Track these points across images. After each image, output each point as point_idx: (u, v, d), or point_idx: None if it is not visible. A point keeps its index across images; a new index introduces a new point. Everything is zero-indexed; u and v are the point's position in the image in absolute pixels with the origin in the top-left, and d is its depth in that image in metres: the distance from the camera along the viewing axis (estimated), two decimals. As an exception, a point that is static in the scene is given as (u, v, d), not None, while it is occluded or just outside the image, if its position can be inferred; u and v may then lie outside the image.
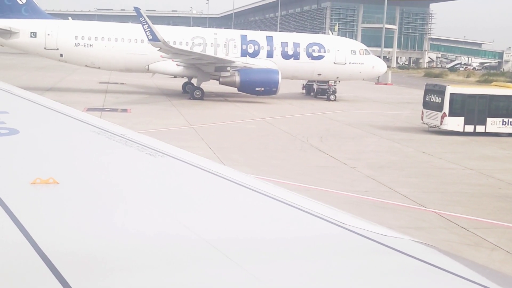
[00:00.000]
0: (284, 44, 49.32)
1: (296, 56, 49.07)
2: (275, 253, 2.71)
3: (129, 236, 2.83)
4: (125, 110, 37.71)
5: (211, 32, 53.36)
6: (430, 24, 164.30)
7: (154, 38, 40.63)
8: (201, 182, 4.05)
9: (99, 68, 49.34)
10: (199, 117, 36.60)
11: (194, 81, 49.10)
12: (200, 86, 46.85)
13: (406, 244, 2.92)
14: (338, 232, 3.05)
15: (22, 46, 48.06)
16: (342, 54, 49.47)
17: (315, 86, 53.98)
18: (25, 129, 5.31)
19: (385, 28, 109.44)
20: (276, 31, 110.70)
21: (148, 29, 40.26)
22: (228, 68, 45.63)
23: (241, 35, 50.34)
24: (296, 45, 49.38)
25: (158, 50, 43.16)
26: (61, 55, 47.36)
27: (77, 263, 2.46)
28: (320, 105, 48.00)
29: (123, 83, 57.49)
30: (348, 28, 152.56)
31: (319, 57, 49.24)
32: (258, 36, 50.93)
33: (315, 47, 49.41)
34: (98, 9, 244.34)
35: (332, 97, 50.86)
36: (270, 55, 48.89)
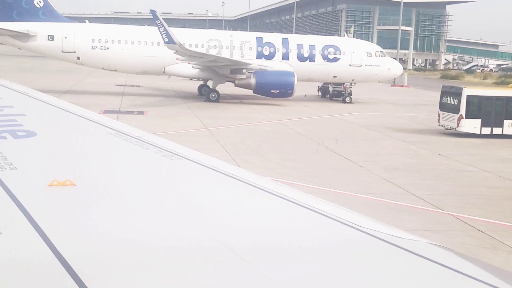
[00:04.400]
0: (300, 46, 49.30)
1: (311, 58, 49.04)
2: (291, 255, 2.70)
3: (145, 238, 2.82)
4: (141, 113, 37.87)
5: (226, 34, 53.50)
6: (446, 26, 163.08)
7: (170, 41, 40.78)
8: (217, 185, 4.03)
9: (115, 70, 49.61)
10: (214, 119, 36.69)
11: (209, 83, 49.24)
12: (216, 89, 46.96)
13: (423, 247, 2.90)
14: (353, 235, 3.03)
15: (40, 49, 48.40)
16: (357, 56, 49.38)
17: (330, 89, 53.91)
18: (42, 131, 5.32)
19: (401, 30, 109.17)
20: (291, 33, 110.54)
21: (164, 31, 40.42)
22: (244, 71, 45.68)
23: (256, 37, 50.38)
24: (312, 47, 49.34)
25: (174, 52, 43.30)
26: (78, 58, 47.66)
27: (93, 264, 2.46)
28: (335, 107, 47.93)
29: (139, 86, 57.74)
30: (364, 30, 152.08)
31: (335, 59, 49.17)
32: (274, 38, 50.95)
33: (331, 49, 49.35)
34: (114, 12, 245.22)
35: (347, 99, 50.77)
36: (285, 57, 48.89)
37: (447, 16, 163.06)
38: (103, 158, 4.65)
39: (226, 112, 40.99)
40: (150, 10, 42.22)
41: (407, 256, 2.74)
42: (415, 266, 2.66)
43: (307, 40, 51.41)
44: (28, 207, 3.17)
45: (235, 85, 46.61)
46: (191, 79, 51.95)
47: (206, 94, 47.38)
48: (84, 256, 2.55)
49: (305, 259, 2.67)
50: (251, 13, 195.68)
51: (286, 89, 45.29)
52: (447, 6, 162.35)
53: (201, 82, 51.63)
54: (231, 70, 45.73)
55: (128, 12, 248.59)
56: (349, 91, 51.23)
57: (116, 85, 57.29)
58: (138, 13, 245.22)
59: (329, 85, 53.80)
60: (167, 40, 40.85)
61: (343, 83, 51.32)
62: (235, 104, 46.28)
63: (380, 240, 2.92)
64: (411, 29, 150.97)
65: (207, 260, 2.58)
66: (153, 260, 2.54)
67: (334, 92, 53.47)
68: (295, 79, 45.18)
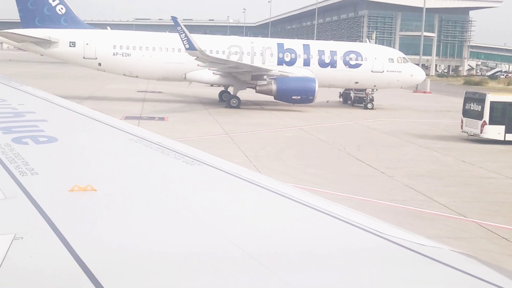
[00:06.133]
0: (321, 52, 49.17)
1: (333, 64, 48.88)
2: (313, 263, 2.68)
3: (165, 243, 2.84)
4: (162, 119, 37.98)
5: (247, 40, 53.46)
6: (469, 32, 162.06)
7: (191, 47, 40.90)
8: (238, 191, 4.04)
9: (136, 77, 49.87)
10: (235, 125, 36.69)
11: (230, 89, 49.31)
12: (237, 95, 46.98)
13: (445, 254, 2.88)
14: (375, 242, 3.02)
15: (61, 55, 48.81)
16: (379, 62, 49.12)
17: (352, 95, 53.70)
18: (64, 137, 5.36)
19: (424, 35, 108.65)
20: (313, 39, 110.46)
21: (185, 38, 40.53)
22: (265, 77, 45.66)
23: (277, 43, 50.34)
24: (333, 53, 49.19)
25: (195, 59, 43.37)
26: (100, 64, 47.98)
27: (114, 270, 2.48)
28: (357, 113, 47.69)
29: (160, 92, 57.99)
30: (386, 36, 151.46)
31: (356, 65, 48.97)
32: (295, 44, 50.86)
33: (352, 55, 49.15)
34: (136, 19, 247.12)
35: (369, 105, 50.53)
36: (306, 63, 48.79)
37: (470, 22, 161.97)
38: (123, 164, 4.67)
39: (247, 118, 40.98)
40: (172, 16, 42.34)
41: (429, 263, 2.72)
42: (438, 274, 2.62)
43: (328, 46, 51.23)
44: (49, 212, 3.19)
45: (256, 91, 46.58)
46: (211, 85, 51.96)
47: (226, 100, 47.43)
48: (105, 261, 2.56)
49: (327, 267, 2.65)
50: (272, 20, 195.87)
51: (307, 95, 45.18)
52: (470, 12, 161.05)
53: (222, 88, 51.69)
54: (252, 76, 45.74)
55: (149, 19, 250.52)
56: (371, 97, 50.98)
57: (138, 91, 57.63)
58: (159, 19, 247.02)
59: (351, 91, 53.57)
60: (188, 47, 40.98)
61: (365, 89, 51.05)
62: (256, 110, 46.24)
63: (402, 247, 2.90)
64: (433, 35, 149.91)
65: (227, 267, 2.58)
66: (173, 266, 2.55)
67: (355, 98, 53.26)
68: (316, 85, 45.05)
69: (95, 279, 2.34)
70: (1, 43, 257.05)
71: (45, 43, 47.37)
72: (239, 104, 46.46)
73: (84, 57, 47.62)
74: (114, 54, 47.50)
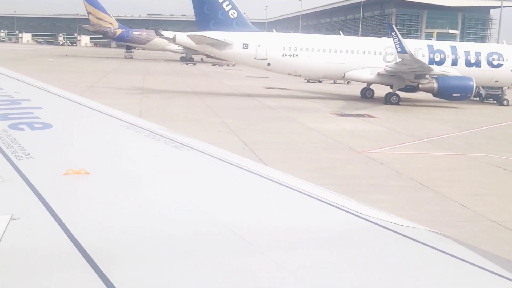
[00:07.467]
0: (467, 53, 53.54)
1: (477, 64, 53.27)
2: (296, 242, 2.80)
3: (156, 225, 2.93)
4: (368, 116, 41.29)
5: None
6: (490, 29, 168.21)
7: (402, 50, 45.00)
8: (224, 174, 4.17)
9: (300, 76, 53.86)
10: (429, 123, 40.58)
11: (371, 86, 53.71)
12: (396, 92, 51.11)
13: (422, 234, 3.00)
14: (356, 222, 3.13)
15: (234, 56, 52.76)
16: (519, 62, 53.74)
17: (482, 92, 58.08)
18: (58, 124, 5.44)
19: (448, 33, 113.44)
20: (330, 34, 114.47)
21: (398, 42, 44.65)
22: (427, 76, 49.86)
23: (427, 44, 54.67)
24: (478, 54, 53.58)
25: (400, 62, 47.43)
26: (269, 64, 51.80)
27: (108, 250, 2.55)
28: (504, 110, 51.94)
29: (284, 88, 61.30)
30: (412, 33, 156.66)
31: (498, 65, 53.43)
32: (443, 45, 55.11)
33: (495, 56, 53.58)
34: (148, 14, 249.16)
35: (505, 102, 55.13)
36: (454, 63, 53.09)
37: (491, 20, 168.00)
38: (116, 149, 4.79)
39: (417, 114, 44.43)
40: (387, 23, 46.35)
41: (407, 243, 2.85)
42: (415, 253, 2.76)
43: (473, 47, 55.67)
44: (44, 194, 3.28)
45: (419, 90, 50.61)
46: (368, 84, 55.15)
47: (387, 97, 51.34)
48: (98, 240, 2.63)
49: (310, 246, 2.78)
50: (286, 17, 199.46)
51: (466, 93, 49.40)
52: (491, 10, 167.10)
53: (364, 86, 55.54)
54: (415, 75, 49.84)
55: (161, 14, 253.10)
56: (505, 93, 55.69)
57: (265, 88, 61.43)
58: (170, 15, 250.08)
59: (480, 88, 57.84)
60: (399, 50, 45.08)
61: (501, 87, 55.59)
62: (412, 107, 49.90)
63: (382, 228, 3.03)
64: (457, 32, 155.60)
65: (219, 248, 2.65)
66: (165, 247, 2.62)
67: (486, 95, 57.81)
68: (474, 84, 49.35)
69: (90, 257, 2.41)
70: (20, 38, 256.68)
71: (221, 44, 51.08)
72: (399, 101, 50.55)
73: (255, 58, 51.39)
74: (283, 55, 51.37)
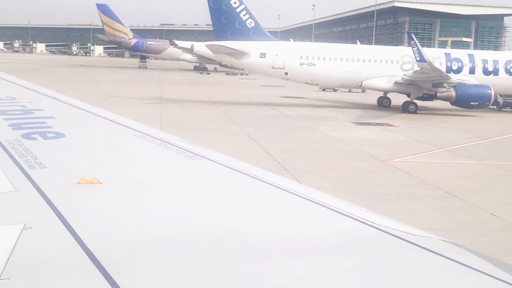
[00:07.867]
0: (485, 61, 53.41)
1: (495, 72, 53.13)
2: (305, 250, 2.81)
3: (169, 234, 2.95)
4: (387, 124, 41.33)
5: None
6: (504, 37, 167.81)
7: (421, 59, 45.02)
8: (234, 183, 4.20)
9: (317, 84, 53.94)
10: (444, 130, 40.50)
11: (389, 95, 53.53)
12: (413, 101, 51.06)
13: (435, 243, 2.99)
14: (366, 230, 3.14)
15: (252, 65, 52.93)
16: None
17: (500, 100, 57.91)
18: (71, 133, 5.47)
19: (462, 41, 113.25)
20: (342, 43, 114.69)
21: (417, 51, 44.68)
22: (445, 84, 49.75)
23: (445, 53, 54.67)
24: (496, 62, 53.44)
25: (419, 70, 47.47)
26: (286, 73, 51.95)
27: (120, 259, 2.55)
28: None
29: (300, 97, 61.17)
30: (425, 41, 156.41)
31: (517, 73, 53.37)
32: (461, 54, 55.09)
33: (514, 64, 53.52)
34: (161, 24, 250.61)
35: (522, 109, 55.05)
36: (472, 71, 52.98)
37: (505, 28, 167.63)
38: (128, 158, 4.83)
39: (436, 122, 44.24)
40: (407, 32, 46.53)
41: (420, 252, 2.83)
42: (428, 262, 2.73)
43: (490, 55, 55.56)
44: (56, 204, 3.29)
45: (437, 98, 50.52)
46: (384, 93, 55.20)
47: (404, 106, 51.22)
48: (111, 250, 2.63)
49: (322, 255, 2.79)
50: (299, 25, 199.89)
51: (484, 101, 49.25)
52: (505, 18, 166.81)
53: (381, 94, 55.59)
54: (433, 84, 49.76)
55: (174, 24, 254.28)
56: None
57: (281, 97, 61.55)
58: (183, 25, 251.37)
59: (498, 96, 57.67)
60: (418, 59, 45.10)
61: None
62: (430, 116, 49.88)
63: (394, 237, 3.02)
64: (470, 40, 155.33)
65: (229, 256, 2.68)
66: (177, 256, 2.66)
67: (504, 103, 57.65)
68: (492, 92, 49.21)
69: (102, 266, 2.42)
70: (34, 47, 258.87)
71: (238, 54, 51.27)
72: (417, 109, 50.46)
73: (272, 67, 51.54)
74: (300, 64, 51.47)
